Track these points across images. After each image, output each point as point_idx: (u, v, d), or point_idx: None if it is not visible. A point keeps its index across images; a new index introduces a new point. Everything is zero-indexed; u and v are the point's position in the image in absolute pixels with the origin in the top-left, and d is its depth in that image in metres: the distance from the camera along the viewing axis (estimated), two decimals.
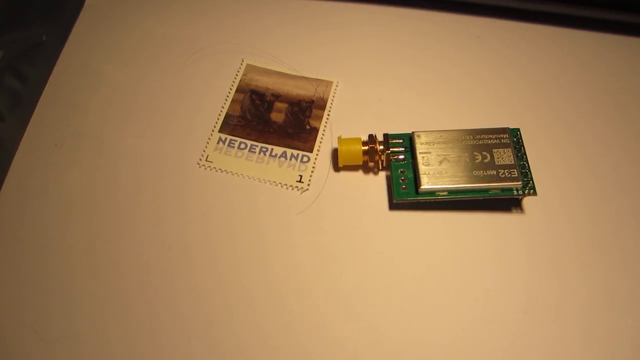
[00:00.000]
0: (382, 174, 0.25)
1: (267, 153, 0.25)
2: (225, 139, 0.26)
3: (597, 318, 0.21)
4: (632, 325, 0.21)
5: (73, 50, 0.29)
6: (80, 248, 0.23)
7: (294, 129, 0.26)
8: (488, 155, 0.23)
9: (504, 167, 0.23)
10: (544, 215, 0.24)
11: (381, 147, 0.24)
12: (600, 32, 0.30)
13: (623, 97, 0.28)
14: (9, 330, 0.21)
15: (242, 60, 0.29)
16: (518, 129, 0.24)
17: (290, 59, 0.29)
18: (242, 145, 0.26)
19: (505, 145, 0.23)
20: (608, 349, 0.21)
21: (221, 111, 0.27)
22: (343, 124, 0.26)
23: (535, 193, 0.23)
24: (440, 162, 0.23)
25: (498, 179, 0.23)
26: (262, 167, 0.25)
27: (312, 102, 0.27)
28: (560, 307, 0.22)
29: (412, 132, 0.24)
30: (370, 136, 0.24)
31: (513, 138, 0.24)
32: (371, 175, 0.25)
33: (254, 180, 0.25)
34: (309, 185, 0.25)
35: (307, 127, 0.26)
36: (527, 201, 0.24)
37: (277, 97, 0.27)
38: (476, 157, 0.23)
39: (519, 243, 0.23)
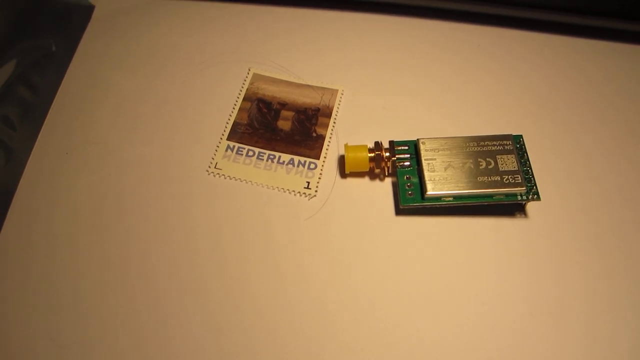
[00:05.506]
0: (388, 180, 0.25)
1: (275, 160, 0.26)
2: (234, 146, 0.26)
3: (599, 321, 0.22)
4: (634, 328, 0.21)
5: (82, 61, 0.30)
6: (90, 254, 0.23)
7: (300, 136, 0.27)
8: (492, 162, 0.24)
9: (507, 173, 0.23)
10: (547, 220, 0.24)
11: (387, 154, 0.25)
12: (598, 39, 0.31)
13: (622, 103, 0.28)
14: (24, 336, 0.21)
15: (249, 70, 0.29)
16: (521, 136, 0.25)
17: (296, 67, 0.29)
18: (250, 153, 0.26)
19: (508, 152, 0.24)
20: (610, 351, 0.21)
21: (229, 119, 0.27)
22: (349, 131, 0.27)
23: (538, 198, 0.23)
24: (445, 169, 0.24)
25: (502, 185, 0.23)
26: (270, 174, 0.25)
27: (318, 110, 0.28)
28: (563, 310, 0.22)
29: (417, 139, 0.24)
30: (376, 143, 0.25)
31: (516, 144, 0.24)
32: (377, 181, 0.25)
33: (263, 187, 0.25)
34: (316, 191, 0.25)
35: (314, 134, 0.27)
36: (530, 206, 0.24)
37: (284, 105, 0.28)
38: (480, 163, 0.24)
39: (523, 247, 0.23)
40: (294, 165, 0.26)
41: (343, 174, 0.25)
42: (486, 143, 0.24)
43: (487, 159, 0.24)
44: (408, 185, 0.24)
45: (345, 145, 0.25)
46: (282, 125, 0.27)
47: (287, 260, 0.23)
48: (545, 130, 0.27)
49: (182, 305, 0.22)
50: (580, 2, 0.29)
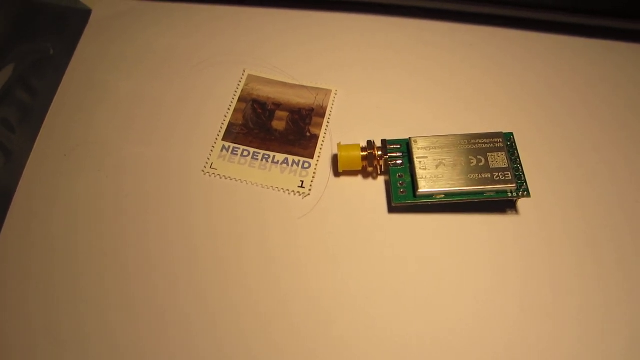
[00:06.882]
0: (381, 179, 0.26)
1: (270, 160, 0.26)
2: (229, 146, 0.27)
3: (591, 316, 0.22)
4: (626, 322, 0.22)
5: (79, 63, 0.30)
6: (89, 254, 0.24)
7: (295, 136, 0.27)
8: (483, 159, 0.24)
9: (498, 170, 0.24)
10: (538, 216, 0.24)
11: (379, 152, 0.25)
12: (590, 38, 0.31)
13: (613, 100, 0.28)
14: (23, 333, 0.22)
15: (244, 71, 0.30)
16: (511, 133, 0.25)
17: (290, 68, 0.30)
18: (245, 153, 0.26)
19: (499, 149, 0.24)
20: (602, 346, 0.21)
21: (224, 120, 0.28)
22: (342, 130, 0.27)
23: (528, 195, 0.24)
24: (437, 166, 0.24)
25: (493, 182, 0.23)
26: (265, 173, 0.26)
27: (312, 110, 0.28)
28: (555, 305, 0.22)
29: (410, 138, 0.25)
30: (369, 142, 0.25)
31: (507, 142, 0.25)
32: (370, 179, 0.26)
33: (257, 186, 0.25)
34: (310, 190, 0.25)
35: (308, 134, 0.27)
36: (521, 203, 0.25)
37: (278, 105, 0.28)
38: (471, 161, 0.24)
39: (514, 243, 0.24)
40: (288, 165, 0.26)
41: (336, 172, 0.26)
42: (477, 141, 0.24)
43: (478, 157, 0.24)
44: (400, 183, 0.24)
45: (338, 145, 0.25)
46: (276, 126, 0.27)
47: (282, 258, 0.23)
48: (537, 127, 0.27)
49: (179, 302, 0.22)
50: (571, 1, 0.29)
